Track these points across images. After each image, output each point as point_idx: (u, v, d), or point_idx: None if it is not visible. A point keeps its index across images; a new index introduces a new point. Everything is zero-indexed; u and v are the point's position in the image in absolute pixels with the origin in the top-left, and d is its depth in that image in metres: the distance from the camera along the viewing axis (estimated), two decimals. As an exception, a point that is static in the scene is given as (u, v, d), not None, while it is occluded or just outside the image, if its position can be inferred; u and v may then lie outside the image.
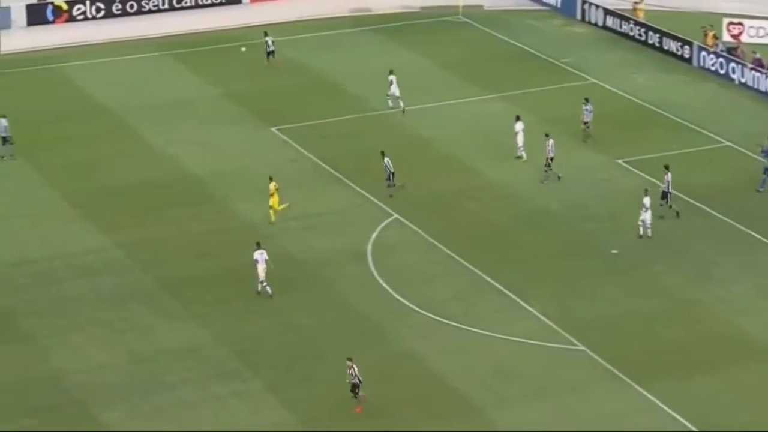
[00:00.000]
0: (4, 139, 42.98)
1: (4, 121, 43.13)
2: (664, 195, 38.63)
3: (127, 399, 30.23)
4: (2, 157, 43.09)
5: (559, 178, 41.00)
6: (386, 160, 40.00)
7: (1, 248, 37.22)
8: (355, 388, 29.53)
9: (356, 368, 29.55)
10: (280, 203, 38.03)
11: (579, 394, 30.77)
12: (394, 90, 46.23)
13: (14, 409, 29.87)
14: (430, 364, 31.73)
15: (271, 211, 38.09)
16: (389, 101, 46.62)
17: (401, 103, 46.42)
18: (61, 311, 33.99)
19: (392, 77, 46.41)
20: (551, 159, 40.97)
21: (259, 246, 34.51)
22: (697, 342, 32.98)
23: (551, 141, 41.10)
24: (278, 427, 29.36)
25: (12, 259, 36.54)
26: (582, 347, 32.56)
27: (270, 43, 50.60)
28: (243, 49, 50.90)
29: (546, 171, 41.03)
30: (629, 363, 31.75)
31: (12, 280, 35.40)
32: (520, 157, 42.82)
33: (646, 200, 37.37)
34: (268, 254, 34.42)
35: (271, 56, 50.50)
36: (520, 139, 42.80)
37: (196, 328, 33.20)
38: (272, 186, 38.01)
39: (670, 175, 38.67)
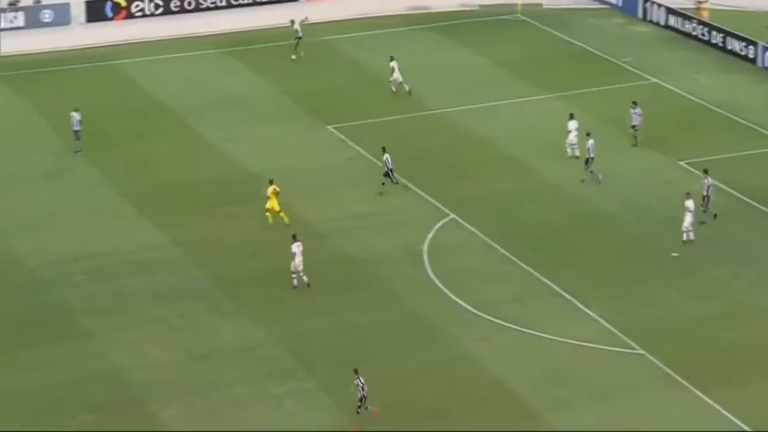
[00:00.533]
0: (76, 133, 43.21)
1: (77, 115, 43.27)
2: (704, 199, 37.75)
3: (183, 397, 30.32)
4: (77, 151, 43.33)
5: (599, 179, 40.20)
6: (386, 156, 39.58)
7: (59, 244, 37.58)
8: (362, 401, 28.94)
9: (362, 380, 28.99)
10: (280, 210, 37.46)
11: (637, 398, 30.25)
12: (396, 76, 46.64)
13: (72, 405, 30.12)
14: (486, 366, 31.40)
15: (268, 214, 37.79)
16: (392, 87, 46.70)
17: (406, 87, 46.65)
18: (119, 308, 34.23)
19: (393, 63, 46.85)
20: (591, 159, 40.15)
21: (295, 238, 34.43)
22: (757, 346, 32.27)
23: (591, 141, 40.33)
24: (332, 428, 29.23)
25: (69, 256, 36.88)
26: (641, 351, 32.00)
27: (298, 30, 50.38)
28: (293, 57, 50.76)
29: (588, 171, 40.22)
30: (688, 367, 31.17)
31: (69, 277, 35.75)
32: (574, 157, 42.20)
33: (689, 203, 36.49)
34: (319, 252, 34.33)
35: (298, 43, 50.12)
36: (573, 138, 42.19)
37: (252, 326, 33.22)
38: (271, 189, 37.73)
39: (709, 179, 37.82)
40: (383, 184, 40.04)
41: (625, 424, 29.22)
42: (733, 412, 29.50)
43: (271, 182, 38.21)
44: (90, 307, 34.37)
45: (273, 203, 37.67)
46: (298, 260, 34.18)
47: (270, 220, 37.93)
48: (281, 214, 37.81)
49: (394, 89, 46.85)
